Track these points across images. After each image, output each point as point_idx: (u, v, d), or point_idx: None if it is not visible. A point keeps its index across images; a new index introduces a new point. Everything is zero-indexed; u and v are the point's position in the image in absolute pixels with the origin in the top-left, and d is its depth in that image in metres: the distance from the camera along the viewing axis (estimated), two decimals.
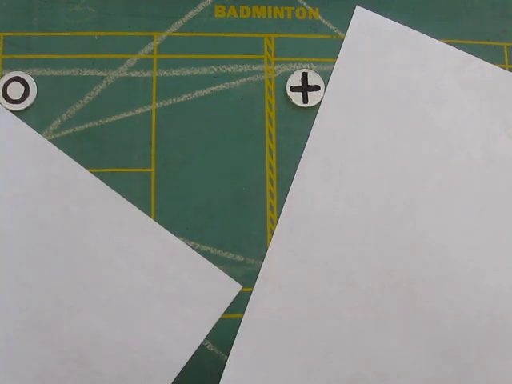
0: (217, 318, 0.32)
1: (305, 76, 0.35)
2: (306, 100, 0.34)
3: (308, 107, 0.34)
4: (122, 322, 0.32)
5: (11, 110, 0.33)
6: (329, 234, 0.33)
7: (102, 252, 0.32)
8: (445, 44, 0.35)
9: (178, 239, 0.32)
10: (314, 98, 0.34)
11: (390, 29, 0.35)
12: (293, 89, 0.34)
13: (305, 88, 0.34)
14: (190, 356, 0.32)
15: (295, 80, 0.34)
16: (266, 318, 0.32)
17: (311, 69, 0.35)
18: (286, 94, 0.34)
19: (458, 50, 0.35)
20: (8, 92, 0.33)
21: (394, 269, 0.33)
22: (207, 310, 0.32)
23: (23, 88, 0.33)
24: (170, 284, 0.32)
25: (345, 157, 0.34)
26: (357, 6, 0.35)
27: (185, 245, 0.32)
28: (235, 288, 0.32)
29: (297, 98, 0.34)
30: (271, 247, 0.33)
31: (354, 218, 0.33)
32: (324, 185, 0.33)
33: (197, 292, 0.32)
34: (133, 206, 0.33)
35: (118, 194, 0.33)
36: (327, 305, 0.32)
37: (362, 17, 0.35)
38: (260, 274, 0.33)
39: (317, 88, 0.34)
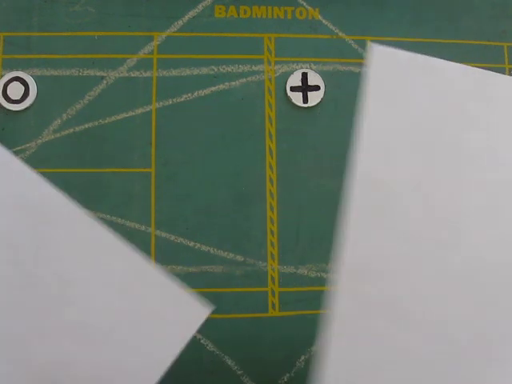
0: (185, 342, 0.32)
1: (305, 76, 0.35)
2: (306, 100, 0.34)
3: (308, 107, 0.34)
4: (92, 344, 0.31)
5: (11, 110, 0.33)
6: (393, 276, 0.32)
7: (72, 273, 0.32)
8: (464, 66, 0.34)
9: (147, 260, 0.32)
10: (314, 97, 0.34)
11: (409, 61, 0.34)
12: (293, 89, 0.34)
13: (305, 88, 0.34)
14: (158, 378, 0.32)
15: (295, 80, 0.34)
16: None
17: (311, 69, 0.35)
18: (286, 94, 0.34)
19: (477, 68, 0.34)
20: (8, 92, 0.33)
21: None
22: (176, 334, 0.32)
23: (23, 88, 0.33)
24: (139, 306, 0.32)
25: (390, 201, 0.33)
26: (372, 44, 0.34)
27: (153, 267, 0.32)
28: (204, 312, 0.32)
29: (297, 98, 0.34)
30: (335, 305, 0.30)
31: (411, 257, 0.32)
32: (377, 228, 0.32)
33: (165, 315, 0.32)
34: (104, 226, 0.32)
35: (87, 214, 0.32)
36: (405, 352, 0.31)
37: (379, 54, 0.34)
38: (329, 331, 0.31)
39: (317, 88, 0.34)
